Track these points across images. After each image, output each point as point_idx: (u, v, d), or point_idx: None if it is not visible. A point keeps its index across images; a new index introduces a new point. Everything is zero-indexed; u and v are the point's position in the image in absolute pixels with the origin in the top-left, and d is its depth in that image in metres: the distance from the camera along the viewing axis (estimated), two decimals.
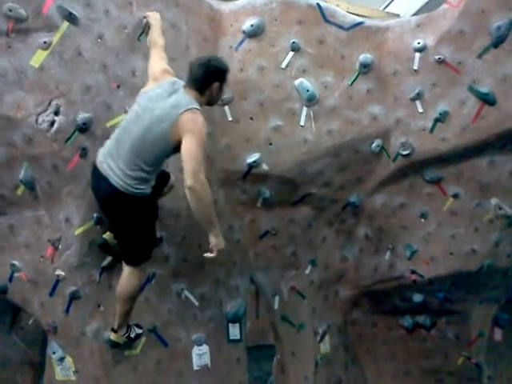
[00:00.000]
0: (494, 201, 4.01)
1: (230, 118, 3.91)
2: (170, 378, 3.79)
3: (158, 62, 3.20)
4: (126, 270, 3.20)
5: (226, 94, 3.82)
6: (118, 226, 3.18)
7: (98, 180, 2.99)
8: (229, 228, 4.06)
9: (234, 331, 4.26)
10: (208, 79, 3.00)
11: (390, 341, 4.89)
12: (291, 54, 3.88)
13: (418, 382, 4.90)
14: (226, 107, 3.91)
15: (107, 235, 3.31)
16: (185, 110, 2.85)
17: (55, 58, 3.10)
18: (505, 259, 4.28)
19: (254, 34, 3.87)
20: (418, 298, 4.54)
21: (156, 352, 3.73)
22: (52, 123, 3.12)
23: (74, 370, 3.44)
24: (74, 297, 3.36)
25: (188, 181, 2.77)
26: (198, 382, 3.94)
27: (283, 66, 3.86)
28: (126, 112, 3.32)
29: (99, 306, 3.46)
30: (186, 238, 3.91)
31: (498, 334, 5.50)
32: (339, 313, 4.75)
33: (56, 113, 3.12)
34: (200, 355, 3.99)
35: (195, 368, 3.95)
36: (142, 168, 2.92)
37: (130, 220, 3.05)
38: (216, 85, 3.04)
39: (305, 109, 3.93)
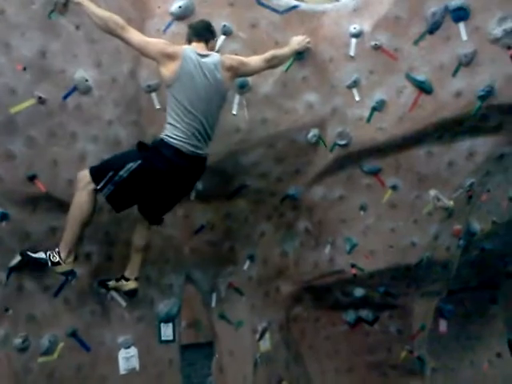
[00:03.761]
0: (432, 192, 3.92)
1: (157, 106, 3.65)
2: None
3: (147, 38, 3.24)
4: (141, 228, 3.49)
5: (153, 80, 3.58)
6: (170, 194, 3.34)
7: (185, 159, 3.16)
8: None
9: (167, 331, 4.04)
10: (211, 31, 3.40)
11: (332, 336, 4.78)
12: (222, 37, 3.67)
13: (361, 378, 4.82)
14: (154, 94, 3.66)
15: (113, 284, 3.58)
16: (219, 56, 3.31)
17: None
18: (444, 252, 4.22)
19: (183, 16, 3.62)
20: (359, 292, 4.43)
21: (76, 357, 3.49)
22: None
23: None
24: None
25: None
26: None
27: (214, 50, 3.61)
28: (33, 97, 3.04)
29: (7, 310, 3.18)
30: (110, 234, 3.66)
31: (443, 326, 5.52)
32: (281, 309, 4.59)
33: None
34: (127, 358, 3.77)
35: (122, 372, 3.74)
36: (214, 132, 3.33)
37: (194, 183, 3.49)
38: (214, 41, 3.43)
39: (237, 96, 3.73)
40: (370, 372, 4.80)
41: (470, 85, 3.55)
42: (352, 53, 3.68)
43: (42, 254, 3.13)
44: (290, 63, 3.74)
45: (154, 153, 3.17)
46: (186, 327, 5.29)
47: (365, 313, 4.63)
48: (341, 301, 4.60)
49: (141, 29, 3.59)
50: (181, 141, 3.14)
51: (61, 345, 3.39)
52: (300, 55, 3.73)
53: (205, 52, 3.27)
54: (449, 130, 3.74)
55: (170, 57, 3.13)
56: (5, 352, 3.15)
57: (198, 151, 3.22)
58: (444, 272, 4.40)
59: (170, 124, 3.18)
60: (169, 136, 3.16)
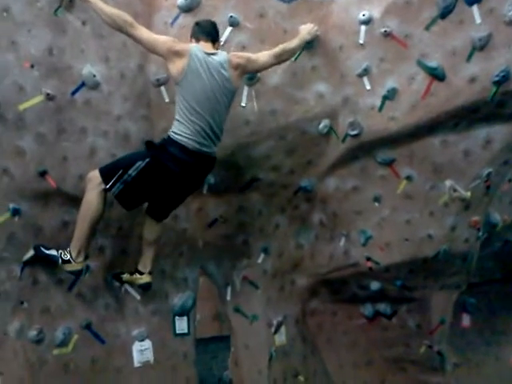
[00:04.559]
0: (448, 183, 3.81)
1: (166, 100, 3.66)
2: (107, 377, 3.61)
3: (155, 35, 3.24)
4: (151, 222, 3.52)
5: (162, 74, 3.59)
6: (178, 192, 3.38)
7: (191, 156, 3.18)
8: (174, 217, 3.83)
9: (181, 325, 4.07)
10: (217, 31, 3.38)
11: (350, 330, 4.72)
12: (229, 29, 3.63)
13: (380, 372, 4.76)
14: (163, 87, 3.66)
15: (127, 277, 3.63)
16: (226, 55, 3.29)
17: None
18: (462, 244, 4.10)
19: (189, 8, 3.61)
20: (375, 285, 4.37)
21: (91, 350, 3.54)
22: None
23: None
24: None
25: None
26: (139, 379, 3.78)
27: (221, 42, 3.60)
28: (41, 93, 3.08)
29: (22, 302, 3.24)
30: (123, 229, 3.68)
31: (466, 320, 5.41)
32: (297, 303, 4.57)
33: None
34: (141, 351, 3.80)
35: (136, 365, 3.78)
36: (222, 130, 3.33)
37: (201, 182, 3.54)
38: (219, 42, 3.42)
39: (246, 88, 3.69)
40: (388, 366, 4.74)
41: (485, 70, 3.41)
42: (362, 40, 3.59)
43: (53, 252, 3.19)
44: (300, 53, 3.67)
45: (162, 151, 3.19)
46: (211, 319, 5.33)
47: (382, 306, 4.57)
48: (358, 294, 4.54)
49: (148, 22, 3.62)
50: (186, 137, 3.15)
51: (75, 337, 3.44)
52: (309, 44, 3.66)
53: (212, 51, 3.26)
54: (464, 117, 3.62)
55: (178, 54, 3.14)
56: (21, 343, 3.21)
57: (204, 149, 3.22)
58: (463, 264, 4.28)
59: (177, 120, 3.20)
60: (175, 132, 3.19)
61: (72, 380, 3.40)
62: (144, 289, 3.66)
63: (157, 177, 3.18)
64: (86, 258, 3.25)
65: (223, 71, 3.21)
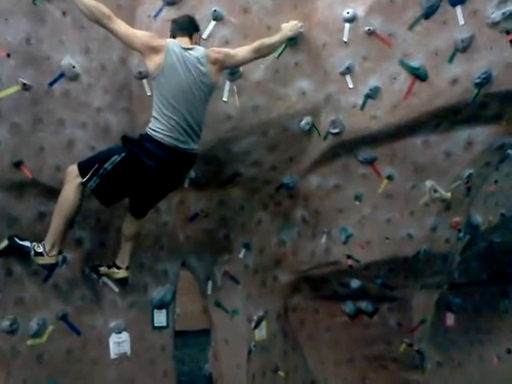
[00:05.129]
0: (428, 183, 3.80)
1: (148, 93, 3.63)
2: (82, 368, 3.62)
3: (133, 29, 3.22)
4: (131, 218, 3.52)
5: (144, 67, 3.55)
6: (156, 189, 3.36)
7: (167, 152, 3.16)
8: (155, 210, 3.81)
9: (160, 318, 4.08)
10: (194, 26, 3.35)
11: (332, 327, 4.74)
12: (213, 23, 3.60)
13: (361, 369, 4.78)
14: (145, 81, 3.64)
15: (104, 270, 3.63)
16: (204, 50, 3.26)
17: None
18: (443, 244, 4.09)
19: (173, 1, 3.58)
20: (355, 283, 4.37)
21: (66, 341, 3.54)
22: None
23: None
24: None
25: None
26: (115, 370, 3.79)
27: (204, 36, 3.57)
28: (18, 83, 3.06)
29: None
30: (102, 221, 3.68)
31: (450, 319, 5.42)
32: (278, 298, 4.57)
33: None
34: (118, 343, 3.81)
35: (113, 356, 3.78)
36: (200, 126, 3.30)
37: (180, 179, 3.46)
38: (198, 34, 3.36)
39: (228, 83, 3.67)
40: (369, 364, 4.76)
41: (467, 71, 3.39)
42: (346, 38, 3.57)
43: (27, 243, 3.19)
44: (283, 49, 3.65)
45: (137, 146, 3.19)
46: (200, 312, 5.33)
47: (364, 304, 4.57)
48: (339, 292, 4.55)
49: (131, 15, 3.60)
50: (162, 133, 3.14)
51: (50, 328, 3.44)
52: (293, 41, 3.64)
53: (189, 46, 3.23)
54: (445, 118, 3.60)
55: (154, 50, 3.12)
56: None
57: (181, 145, 3.19)
58: (444, 265, 4.28)
59: (154, 117, 3.20)
60: (151, 129, 3.18)
61: (46, 371, 3.41)
62: (121, 283, 3.67)
63: (133, 172, 3.18)
64: (60, 252, 3.24)
65: (200, 66, 3.18)
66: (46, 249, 3.15)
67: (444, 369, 5.28)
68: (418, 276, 4.29)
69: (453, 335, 5.41)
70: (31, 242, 3.19)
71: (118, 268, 3.59)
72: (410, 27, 3.44)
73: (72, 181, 3.14)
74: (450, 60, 3.39)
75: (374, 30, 3.50)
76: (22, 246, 3.17)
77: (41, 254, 3.14)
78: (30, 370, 3.34)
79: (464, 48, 3.36)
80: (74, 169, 3.17)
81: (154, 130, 3.16)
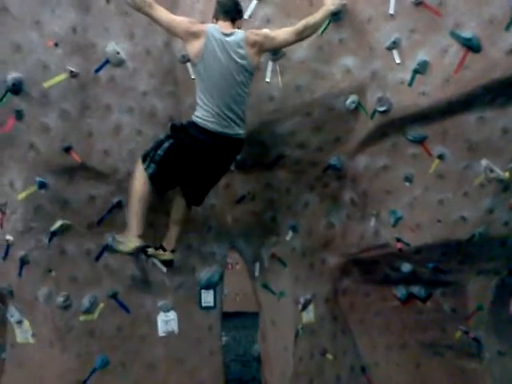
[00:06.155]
0: (484, 162, 3.57)
1: (193, 76, 3.66)
2: (131, 344, 3.77)
3: (173, 16, 3.26)
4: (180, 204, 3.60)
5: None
6: (205, 174, 3.44)
7: (212, 138, 3.24)
8: None
9: (207, 298, 4.15)
10: (238, 10, 3.32)
11: (384, 312, 4.62)
12: (254, 2, 3.55)
13: (414, 355, 4.64)
14: (189, 64, 3.66)
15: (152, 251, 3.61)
16: (243, 33, 3.24)
17: None
18: (501, 227, 3.85)
19: None
20: (406, 267, 4.22)
21: (116, 318, 3.70)
22: None
23: (31, 333, 3.46)
24: (24, 261, 3.34)
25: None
26: (163, 348, 3.91)
27: (246, 16, 3.54)
28: (65, 71, 3.18)
29: (50, 271, 3.43)
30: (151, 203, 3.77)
31: None
32: (327, 281, 4.51)
33: None
34: (166, 321, 3.93)
35: (160, 334, 3.90)
36: (244, 110, 3.32)
37: (228, 164, 3.51)
38: (241, 21, 3.35)
39: (270, 63, 3.62)
40: (423, 350, 4.60)
41: None
42: (392, 11, 3.40)
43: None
44: (326, 25, 3.54)
45: (183, 132, 3.29)
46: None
47: (416, 289, 4.41)
48: (390, 275, 4.42)
49: (174, 2, 3.62)
50: (205, 120, 3.22)
51: (101, 305, 3.60)
52: (336, 16, 3.52)
53: (229, 31, 3.23)
54: (501, 92, 3.35)
55: (195, 35, 3.15)
56: (50, 309, 3.42)
57: (226, 130, 3.25)
58: (503, 249, 4.03)
59: (198, 104, 3.27)
60: (196, 116, 3.27)
61: (97, 346, 3.58)
62: (166, 265, 3.77)
63: (182, 158, 3.29)
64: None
65: (240, 50, 3.18)
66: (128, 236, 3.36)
67: (505, 359, 5.01)
68: (473, 261, 4.08)
69: None
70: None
71: (164, 250, 3.68)
72: None
73: (138, 167, 3.33)
74: (507, 28, 3.14)
75: (422, 0, 3.31)
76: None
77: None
78: (82, 344, 3.53)
79: None
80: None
81: (198, 117, 3.24)
